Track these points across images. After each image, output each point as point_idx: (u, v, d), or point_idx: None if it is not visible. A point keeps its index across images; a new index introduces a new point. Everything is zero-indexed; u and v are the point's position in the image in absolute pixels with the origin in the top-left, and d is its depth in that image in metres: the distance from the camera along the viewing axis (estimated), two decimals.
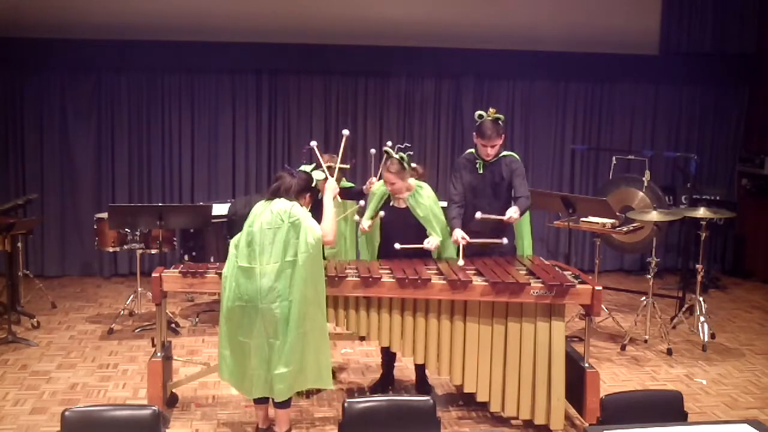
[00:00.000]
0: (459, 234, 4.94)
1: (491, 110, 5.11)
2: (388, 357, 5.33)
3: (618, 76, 8.63)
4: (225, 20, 7.96)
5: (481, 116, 5.11)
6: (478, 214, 4.92)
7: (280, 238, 4.34)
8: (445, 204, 5.47)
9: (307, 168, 4.66)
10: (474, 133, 5.14)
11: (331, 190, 4.64)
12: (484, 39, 8.27)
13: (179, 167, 8.22)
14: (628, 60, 8.51)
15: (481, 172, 5.17)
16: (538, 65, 8.38)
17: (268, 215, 4.40)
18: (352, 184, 5.94)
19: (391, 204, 5.11)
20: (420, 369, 5.31)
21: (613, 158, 7.64)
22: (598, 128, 8.76)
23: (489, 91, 8.53)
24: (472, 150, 5.24)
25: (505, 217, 4.90)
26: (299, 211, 4.41)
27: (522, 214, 5.00)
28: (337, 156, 5.00)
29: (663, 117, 8.80)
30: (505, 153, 5.21)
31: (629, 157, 7.93)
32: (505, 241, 4.98)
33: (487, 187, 5.16)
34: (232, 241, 4.55)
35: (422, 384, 5.33)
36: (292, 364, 4.37)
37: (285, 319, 4.35)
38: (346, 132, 5.04)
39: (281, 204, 4.42)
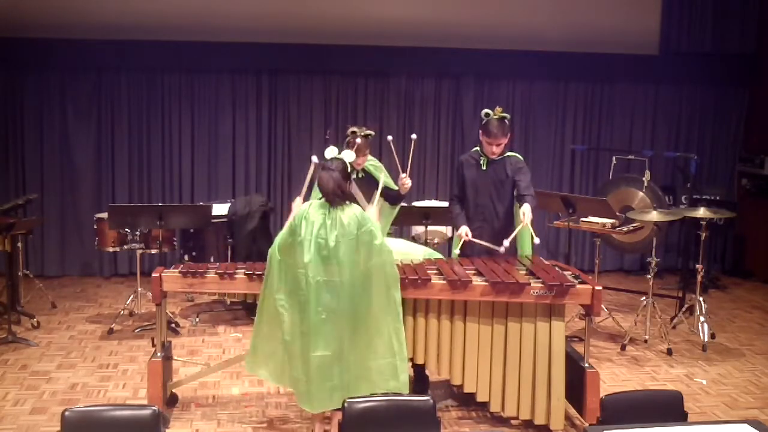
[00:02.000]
0: (464, 230, 5.08)
1: (498, 109, 5.13)
2: None
3: (618, 76, 8.63)
4: (225, 20, 7.95)
5: (487, 114, 5.13)
6: (503, 247, 4.89)
7: (355, 248, 4.29)
8: (445, 203, 5.49)
9: (333, 152, 4.53)
10: (480, 131, 5.16)
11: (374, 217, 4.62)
12: (484, 39, 8.27)
13: (179, 167, 8.21)
14: (628, 60, 8.51)
15: (484, 168, 5.18)
16: (538, 65, 8.37)
17: (339, 226, 4.29)
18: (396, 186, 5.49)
19: None
20: (418, 366, 5.31)
21: (613, 158, 7.63)
22: (598, 128, 8.76)
23: (489, 91, 8.53)
24: (477, 148, 5.26)
25: (524, 221, 4.86)
26: (371, 221, 4.38)
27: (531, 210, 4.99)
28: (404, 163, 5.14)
29: (663, 117, 8.79)
30: (509, 153, 5.23)
31: (629, 157, 7.92)
32: (502, 250, 4.96)
33: (490, 184, 5.17)
34: (286, 258, 4.39)
35: (419, 382, 5.33)
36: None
37: (369, 324, 4.34)
38: (414, 136, 5.23)
39: (351, 212, 4.33)
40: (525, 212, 4.88)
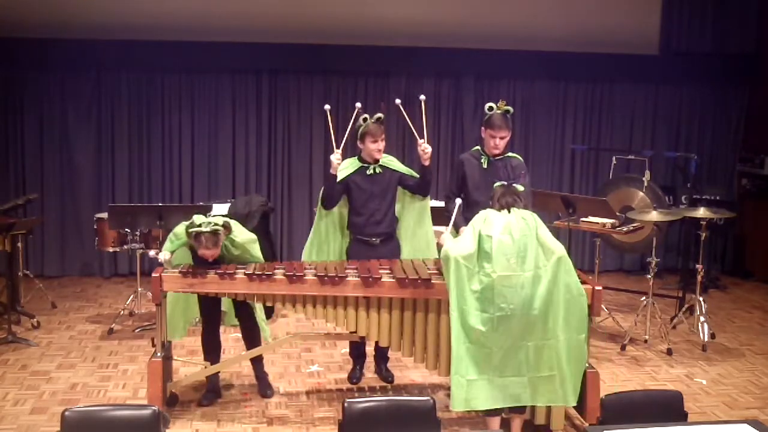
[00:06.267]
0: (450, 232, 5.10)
1: (501, 102, 5.12)
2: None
3: (618, 76, 8.63)
4: (225, 20, 7.95)
5: (491, 108, 5.12)
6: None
7: (533, 246, 4.30)
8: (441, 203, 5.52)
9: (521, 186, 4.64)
10: (482, 127, 5.14)
11: None
12: (484, 39, 8.27)
13: (179, 167, 8.21)
14: (628, 60, 8.50)
15: (485, 167, 5.17)
16: (538, 65, 8.37)
17: (520, 223, 4.34)
18: (416, 174, 5.33)
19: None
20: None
21: (613, 158, 7.64)
22: (598, 128, 8.76)
23: (489, 91, 8.52)
24: (478, 147, 5.25)
25: None
26: (539, 221, 4.44)
27: None
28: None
29: (663, 117, 8.79)
30: (510, 154, 5.22)
31: (629, 157, 7.93)
32: None
33: (490, 183, 5.14)
34: (460, 256, 4.37)
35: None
36: (555, 369, 4.34)
37: (544, 322, 4.32)
38: (422, 97, 5.18)
39: (526, 212, 4.42)
40: None
